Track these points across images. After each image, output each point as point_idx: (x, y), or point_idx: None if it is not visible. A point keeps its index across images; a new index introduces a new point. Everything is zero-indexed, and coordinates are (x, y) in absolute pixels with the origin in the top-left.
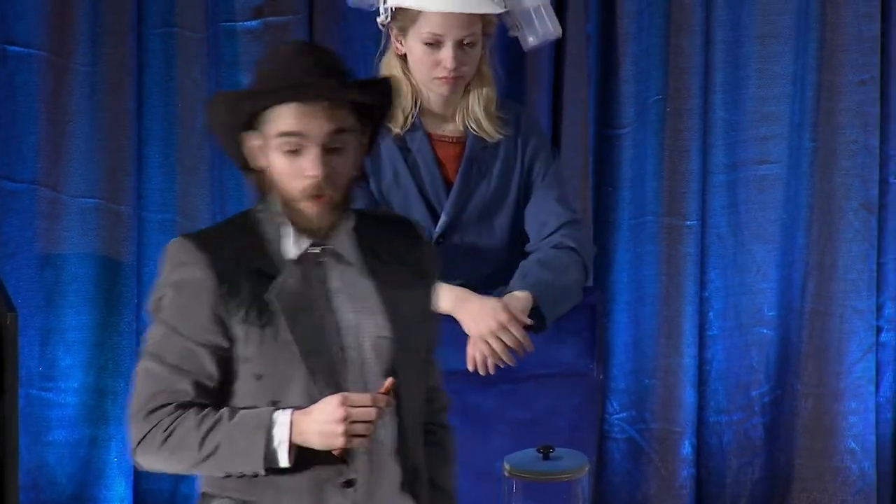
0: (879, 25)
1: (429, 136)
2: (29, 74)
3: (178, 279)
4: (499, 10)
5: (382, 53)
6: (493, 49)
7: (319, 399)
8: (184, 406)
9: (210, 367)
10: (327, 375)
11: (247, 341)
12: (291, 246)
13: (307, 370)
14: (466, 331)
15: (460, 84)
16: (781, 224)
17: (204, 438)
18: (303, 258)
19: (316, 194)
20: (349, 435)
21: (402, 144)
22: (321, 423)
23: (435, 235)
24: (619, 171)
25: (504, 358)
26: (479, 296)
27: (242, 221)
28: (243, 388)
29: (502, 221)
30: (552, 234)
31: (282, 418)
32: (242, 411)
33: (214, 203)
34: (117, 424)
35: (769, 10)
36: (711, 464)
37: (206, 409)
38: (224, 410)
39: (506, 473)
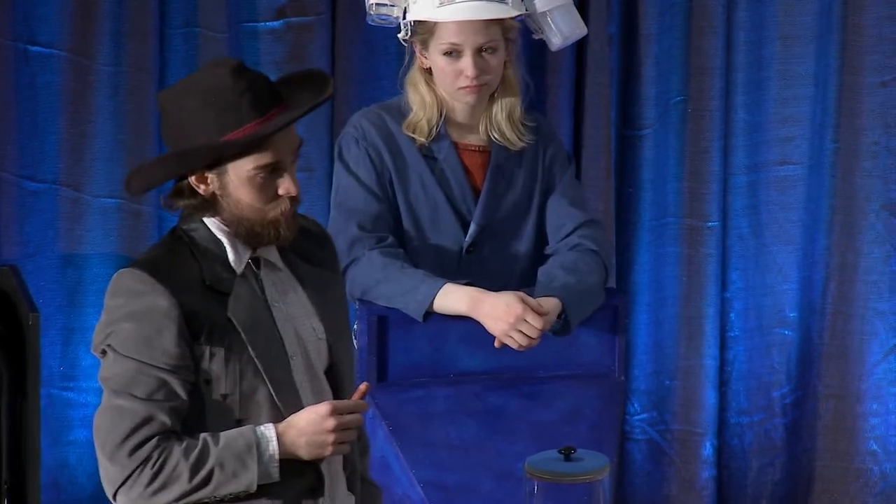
0: None
1: (455, 145)
2: (51, 75)
3: (137, 310)
4: (513, 13)
5: (407, 69)
6: (520, 55)
7: (284, 412)
8: (165, 437)
9: (181, 393)
10: (286, 386)
11: (211, 362)
12: (235, 260)
13: (270, 384)
14: (489, 330)
15: (485, 92)
16: (803, 225)
17: (194, 468)
18: (245, 271)
19: (292, 212)
20: (337, 443)
21: (428, 154)
22: (311, 433)
23: (466, 244)
24: (641, 172)
25: (529, 346)
26: (492, 293)
27: (177, 243)
28: (208, 409)
29: (528, 228)
30: (570, 235)
31: (268, 433)
32: (224, 434)
33: None
34: None
35: (791, 12)
36: (732, 465)
37: (186, 439)
38: (205, 436)
39: (527, 475)
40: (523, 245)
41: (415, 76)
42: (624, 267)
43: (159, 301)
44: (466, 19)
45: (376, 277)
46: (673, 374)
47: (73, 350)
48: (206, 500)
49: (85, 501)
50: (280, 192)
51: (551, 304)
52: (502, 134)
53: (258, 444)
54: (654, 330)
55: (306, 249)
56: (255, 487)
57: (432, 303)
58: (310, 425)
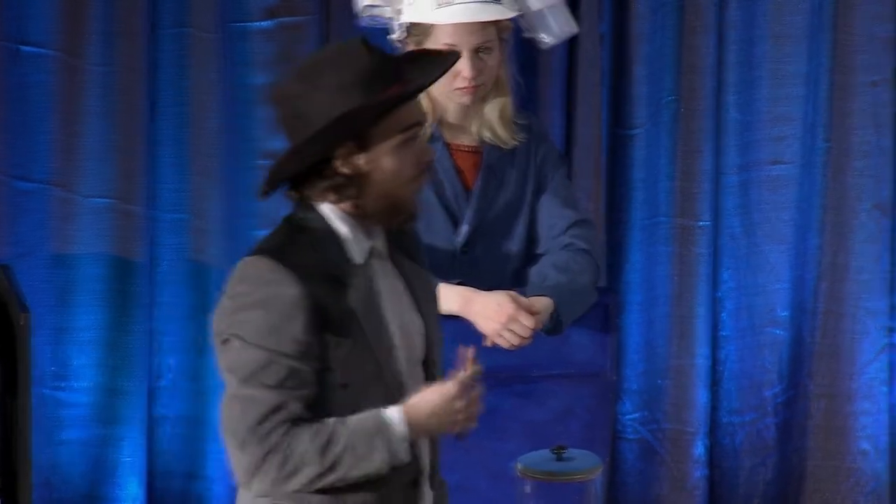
0: (892, 26)
1: (447, 146)
2: (42, 74)
3: (266, 297)
4: (510, 14)
5: None
6: (511, 54)
7: (396, 402)
8: (294, 423)
9: (310, 380)
10: (397, 377)
11: (335, 351)
12: (356, 249)
13: (385, 374)
14: (480, 330)
15: (480, 92)
16: (794, 225)
17: (323, 452)
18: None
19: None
20: (467, 420)
21: None
22: (443, 414)
23: (458, 245)
24: (632, 171)
25: (521, 346)
26: (483, 293)
27: (294, 232)
28: (329, 398)
29: (520, 227)
30: (561, 234)
31: (396, 416)
32: (351, 418)
33: (227, 203)
34: (129, 424)
35: (782, 11)
36: (724, 464)
37: (315, 424)
38: (332, 421)
39: (519, 474)
40: (515, 245)
41: None
42: (615, 266)
43: (289, 289)
44: (464, 21)
45: None
46: (664, 373)
47: (64, 350)
48: (336, 483)
49: (77, 501)
50: (422, 157)
51: (543, 303)
52: (494, 134)
53: (386, 427)
54: (646, 329)
55: (400, 240)
56: (385, 469)
57: None
58: (440, 406)
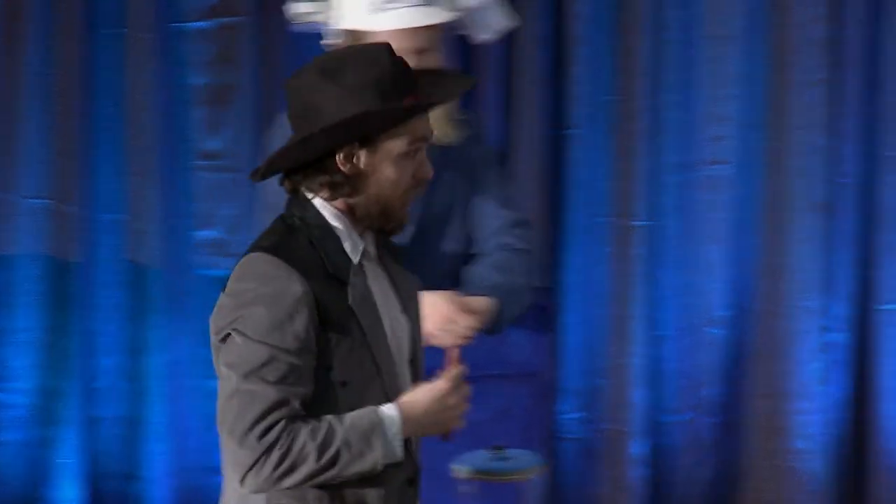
0: (828, 27)
1: None
2: None
3: (269, 294)
4: (448, 16)
5: None
6: (451, 54)
7: (391, 400)
8: (291, 420)
9: (309, 378)
10: (392, 375)
11: (336, 349)
12: (351, 248)
13: (382, 372)
14: None
15: None
16: (732, 224)
17: (321, 449)
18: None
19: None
20: (460, 417)
21: None
22: (437, 411)
23: (401, 244)
24: (571, 172)
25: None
26: (422, 293)
27: (293, 230)
28: (327, 396)
29: (458, 227)
30: (499, 234)
31: (391, 413)
32: (348, 415)
33: (164, 204)
34: (67, 425)
35: (720, 12)
36: (663, 464)
37: (312, 421)
38: (329, 418)
39: (458, 474)
40: (453, 244)
41: None
42: (554, 266)
43: (293, 286)
44: (405, 27)
45: None
46: (603, 373)
47: (3, 351)
48: (330, 481)
49: (15, 502)
50: (419, 173)
51: (482, 303)
52: (436, 132)
53: (382, 424)
54: (585, 329)
55: (385, 242)
56: (380, 467)
57: None
58: (434, 402)
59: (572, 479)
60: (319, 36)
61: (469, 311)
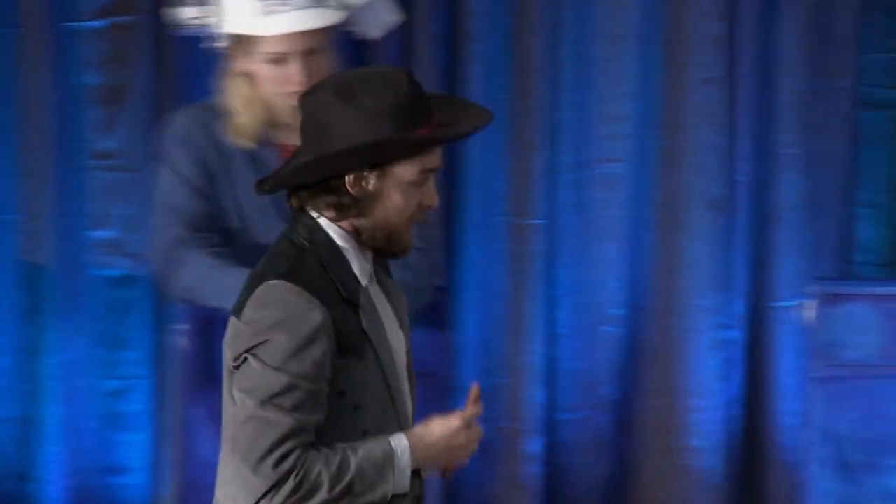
0: (724, 25)
1: (280, 146)
2: None
3: (289, 322)
4: (337, 17)
5: (224, 75)
6: (343, 53)
7: (400, 421)
8: (306, 448)
9: (324, 404)
10: (400, 396)
11: (350, 375)
12: (360, 270)
13: (392, 394)
14: None
15: None
16: (629, 222)
17: (335, 478)
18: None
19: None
20: (468, 455)
21: (252, 155)
22: (446, 447)
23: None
24: (468, 170)
25: None
26: None
27: (304, 253)
28: (340, 421)
29: None
30: None
31: (403, 443)
32: (360, 445)
33: (59, 203)
34: None
35: (616, 10)
36: (559, 462)
37: (325, 450)
38: (343, 447)
39: None
40: None
41: (236, 79)
42: (451, 265)
43: (313, 314)
44: (291, 31)
45: (204, 278)
46: (500, 371)
47: None
48: None
49: None
50: (426, 201)
51: None
52: None
53: (395, 455)
54: (482, 327)
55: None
56: (388, 497)
57: None
58: (444, 439)
59: (468, 478)
60: (208, 40)
61: None
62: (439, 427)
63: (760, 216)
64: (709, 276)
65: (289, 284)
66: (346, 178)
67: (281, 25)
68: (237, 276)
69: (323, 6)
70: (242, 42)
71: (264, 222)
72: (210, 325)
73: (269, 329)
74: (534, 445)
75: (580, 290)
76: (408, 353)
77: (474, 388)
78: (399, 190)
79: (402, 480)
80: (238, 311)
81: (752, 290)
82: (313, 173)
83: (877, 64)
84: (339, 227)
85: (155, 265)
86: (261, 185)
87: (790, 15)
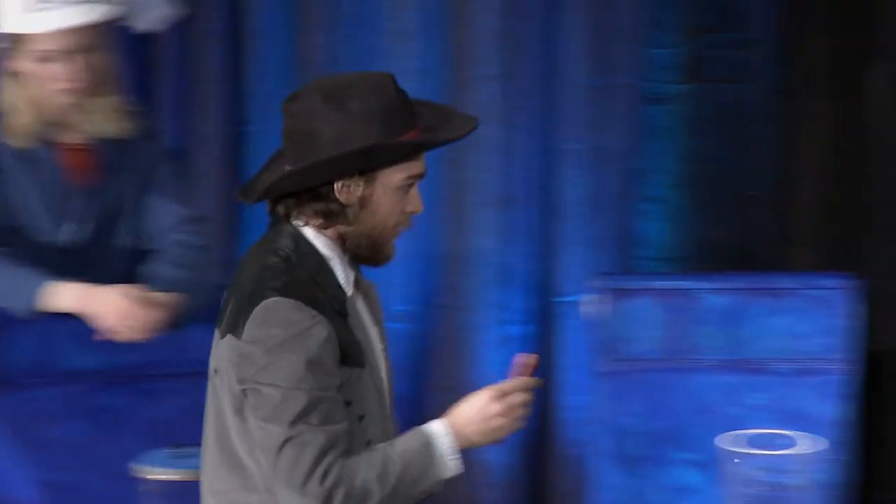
0: (505, 20)
1: (56, 145)
2: None
3: (296, 339)
4: (108, 14)
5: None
6: (118, 46)
7: (387, 429)
8: (345, 457)
9: (345, 412)
10: (386, 400)
11: (353, 385)
12: (345, 280)
13: (382, 396)
14: (98, 326)
15: (85, 91)
16: (414, 219)
17: (382, 479)
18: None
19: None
20: (511, 424)
21: (25, 155)
22: (480, 421)
23: (66, 243)
24: (249, 169)
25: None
26: (100, 287)
27: (293, 266)
28: (350, 433)
29: (133, 224)
30: (174, 231)
31: (438, 429)
32: (395, 441)
33: None
34: None
35: (396, 6)
36: None
37: (364, 454)
38: (381, 446)
39: (138, 473)
40: (128, 241)
41: (10, 78)
42: (235, 263)
43: (317, 329)
44: (58, 28)
45: None
46: None
47: None
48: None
49: None
50: (410, 207)
51: (162, 297)
52: (103, 130)
53: (435, 441)
54: None
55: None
56: (441, 483)
57: (39, 301)
58: (477, 413)
59: None
60: None
61: (150, 304)
62: (467, 405)
63: (544, 211)
64: (494, 272)
65: (289, 301)
66: (335, 184)
67: (49, 22)
68: (13, 275)
69: (92, 2)
70: (15, 41)
71: (33, 220)
72: None
73: (276, 350)
74: None
75: None
76: (388, 357)
77: (519, 359)
78: (386, 196)
79: (450, 464)
80: (232, 328)
81: (538, 285)
82: (303, 180)
83: (660, 59)
84: (324, 235)
85: None
86: (246, 194)
87: (573, 10)
